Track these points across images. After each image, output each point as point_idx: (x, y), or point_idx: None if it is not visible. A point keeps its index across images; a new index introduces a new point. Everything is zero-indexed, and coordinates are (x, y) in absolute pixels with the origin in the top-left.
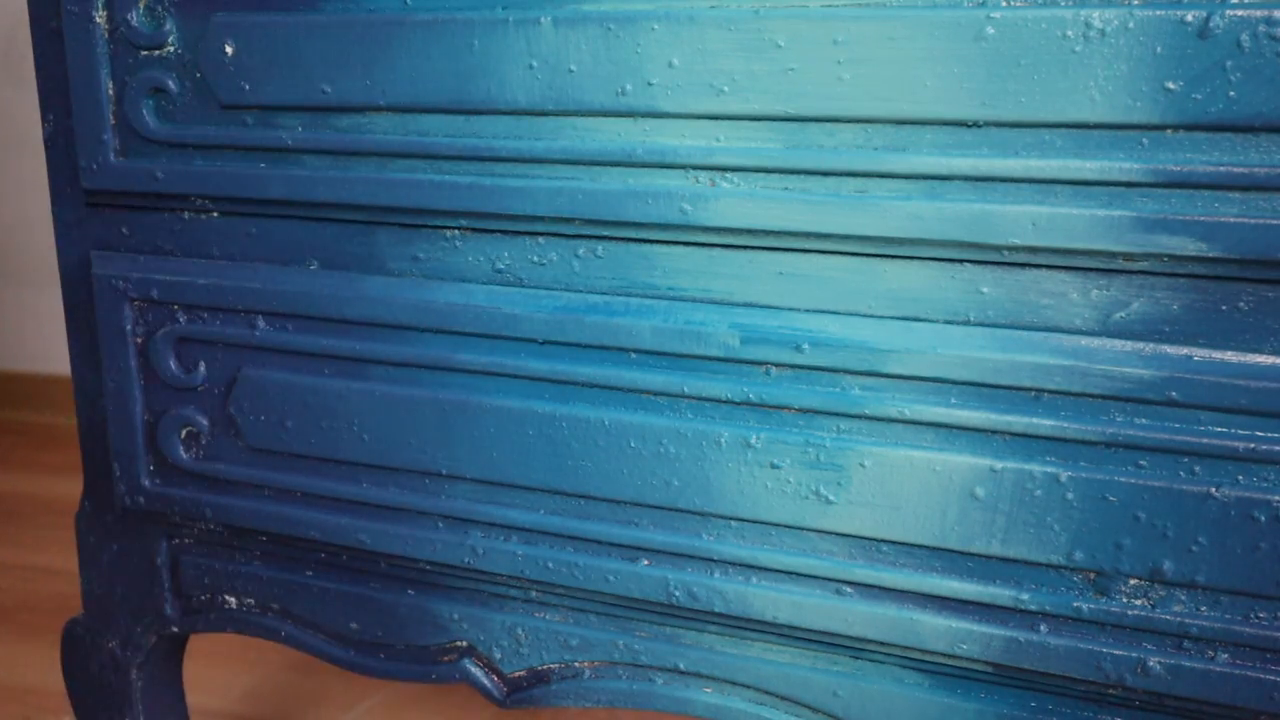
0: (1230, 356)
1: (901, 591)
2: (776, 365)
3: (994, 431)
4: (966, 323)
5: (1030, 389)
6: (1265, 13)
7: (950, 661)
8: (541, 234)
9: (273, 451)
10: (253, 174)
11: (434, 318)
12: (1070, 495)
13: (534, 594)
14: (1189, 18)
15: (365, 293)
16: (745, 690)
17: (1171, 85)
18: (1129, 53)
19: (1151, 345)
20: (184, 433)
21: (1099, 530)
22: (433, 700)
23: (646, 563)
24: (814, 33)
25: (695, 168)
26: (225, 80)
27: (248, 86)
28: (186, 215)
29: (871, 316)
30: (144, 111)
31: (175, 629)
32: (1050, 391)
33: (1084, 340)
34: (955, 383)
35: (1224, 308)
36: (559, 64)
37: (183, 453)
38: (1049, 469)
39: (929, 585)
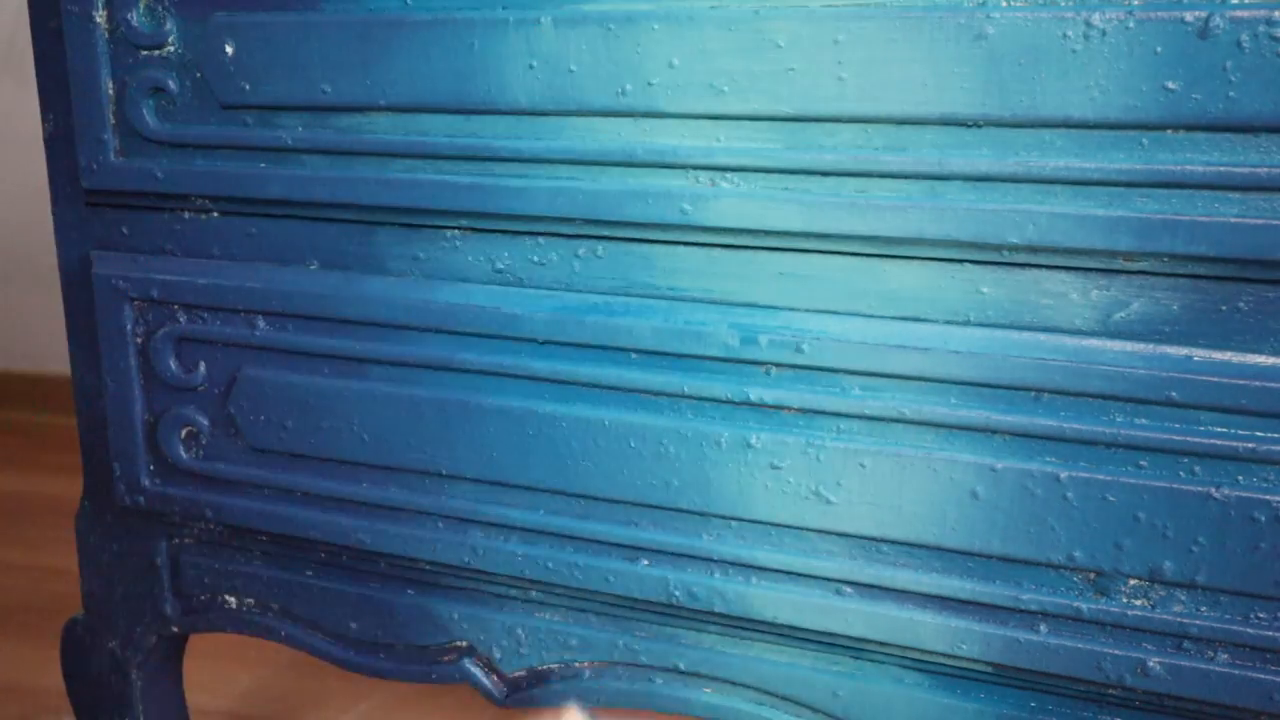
0: (1230, 356)
1: (901, 591)
2: (776, 365)
3: (994, 431)
4: (966, 323)
5: (1030, 389)
6: (1265, 13)
7: (950, 661)
8: (541, 234)
9: (273, 451)
10: (253, 174)
11: (434, 318)
12: (1070, 495)
13: (534, 594)
14: (1189, 18)
15: (365, 293)
16: (745, 690)
17: (1171, 85)
18: (1129, 53)
19: (1151, 345)
20: (184, 432)
21: (1099, 530)
22: (433, 700)
23: (646, 563)
24: (814, 33)
25: (695, 168)
26: (225, 80)
27: (248, 86)
28: (186, 215)
29: (871, 316)
30: (144, 111)
31: (175, 629)
32: (1050, 391)
33: (1084, 340)
34: (955, 383)
35: (1224, 308)
36: (559, 64)
37: (183, 452)
38: (1049, 469)
39: (929, 585)
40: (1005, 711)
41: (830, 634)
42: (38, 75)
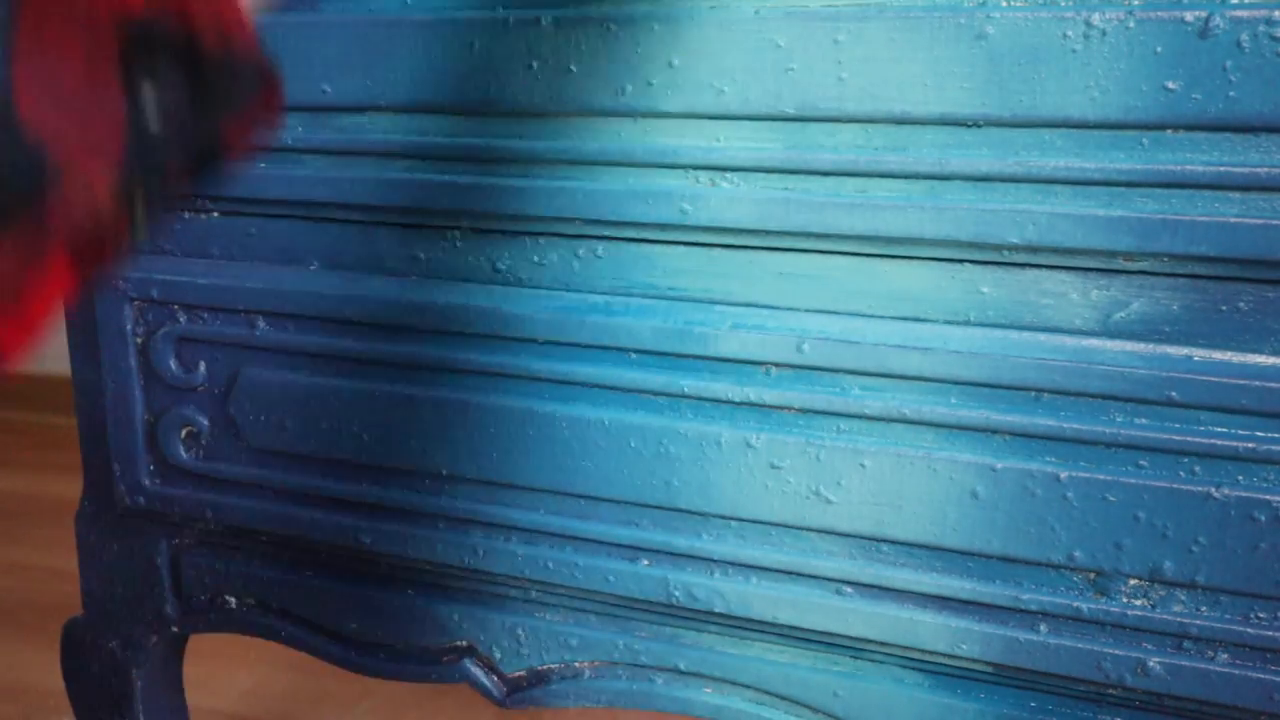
0: (1230, 356)
1: (901, 591)
2: (776, 365)
3: (994, 431)
4: (966, 323)
5: (1030, 389)
6: (1265, 13)
7: (950, 661)
8: (541, 234)
9: (273, 451)
10: (253, 174)
11: (434, 318)
12: (1070, 495)
13: (534, 594)
14: (1189, 18)
15: (365, 293)
16: (745, 690)
17: (1171, 85)
18: (1129, 53)
19: (1151, 345)
20: (184, 432)
21: (1099, 530)
22: (433, 700)
23: (646, 563)
24: (814, 33)
25: (695, 168)
26: None
27: None
28: (186, 215)
29: (871, 316)
30: None
31: (175, 629)
32: (1050, 391)
33: (1084, 340)
34: (955, 383)
35: (1224, 308)
36: (559, 64)
37: (183, 453)
38: (1049, 469)
39: (929, 585)
40: (1005, 711)
41: (830, 634)
42: None
